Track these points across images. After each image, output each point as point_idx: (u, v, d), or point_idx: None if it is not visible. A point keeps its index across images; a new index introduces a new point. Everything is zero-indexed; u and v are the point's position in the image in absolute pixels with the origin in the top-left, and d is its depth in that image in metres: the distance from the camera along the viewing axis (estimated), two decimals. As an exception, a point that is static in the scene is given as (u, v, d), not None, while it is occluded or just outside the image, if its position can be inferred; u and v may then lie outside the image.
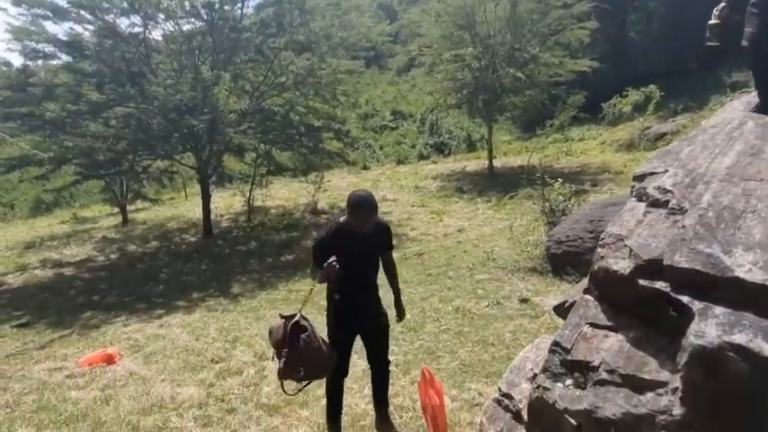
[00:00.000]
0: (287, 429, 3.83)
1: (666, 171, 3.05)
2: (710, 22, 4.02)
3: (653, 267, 2.16)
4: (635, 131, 14.58)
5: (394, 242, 3.72)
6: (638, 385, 2.03)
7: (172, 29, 11.56)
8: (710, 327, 1.81)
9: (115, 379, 4.99)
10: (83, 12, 10.54)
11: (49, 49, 10.81)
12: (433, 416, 3.38)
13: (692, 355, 1.79)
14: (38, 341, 6.66)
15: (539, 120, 14.81)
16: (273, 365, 3.64)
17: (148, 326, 6.83)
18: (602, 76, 15.72)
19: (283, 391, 3.42)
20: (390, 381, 3.76)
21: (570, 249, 6.74)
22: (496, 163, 14.72)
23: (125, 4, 10.71)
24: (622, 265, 2.33)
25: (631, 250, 2.31)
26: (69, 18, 10.61)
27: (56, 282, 9.65)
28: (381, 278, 3.56)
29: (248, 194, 12.34)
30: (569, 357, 2.35)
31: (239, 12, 11.31)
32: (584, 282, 2.84)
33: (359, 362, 4.57)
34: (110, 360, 5.46)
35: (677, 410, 1.84)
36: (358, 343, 3.57)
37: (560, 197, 7.71)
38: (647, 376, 2.03)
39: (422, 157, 18.25)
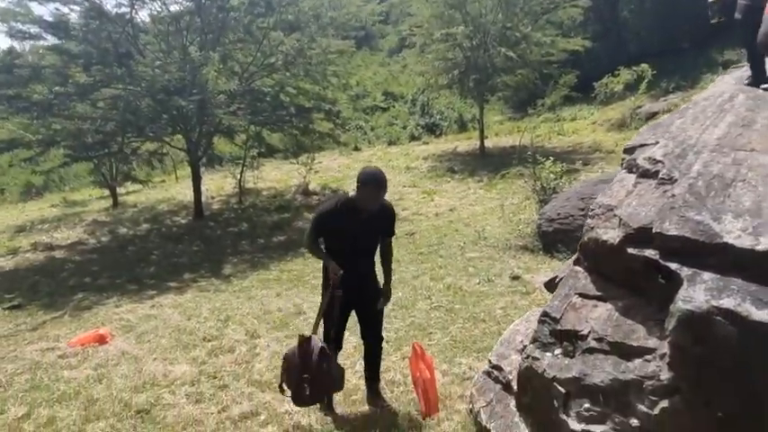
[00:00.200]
0: (278, 405, 3.83)
1: (657, 143, 3.05)
2: (709, 0, 4.01)
3: (642, 236, 2.16)
4: (627, 111, 14.57)
5: None
6: (626, 352, 2.04)
7: (159, 9, 11.37)
8: (699, 292, 1.81)
9: (107, 358, 4.98)
10: (68, -9, 10.35)
11: (34, 29, 10.60)
12: (423, 390, 3.40)
13: (679, 320, 1.79)
14: (30, 323, 6.63)
15: (530, 100, 14.74)
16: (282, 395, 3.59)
17: (140, 306, 6.82)
18: (595, 55, 15.64)
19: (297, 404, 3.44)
20: (382, 357, 3.78)
21: (561, 227, 6.77)
22: (488, 143, 14.68)
23: (111, -16, 10.54)
24: (612, 235, 2.33)
25: (621, 219, 2.31)
26: (55, -2, 10.41)
27: (47, 264, 9.58)
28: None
29: (239, 176, 12.25)
30: (558, 327, 2.36)
31: (227, -9, 11.13)
32: (575, 257, 2.85)
33: (350, 338, 4.59)
34: (102, 340, 5.45)
35: (665, 375, 1.86)
36: (352, 318, 3.59)
37: (551, 175, 7.71)
38: (635, 343, 2.04)
39: (413, 137, 18.17)
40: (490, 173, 11.80)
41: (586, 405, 2.06)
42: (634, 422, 1.91)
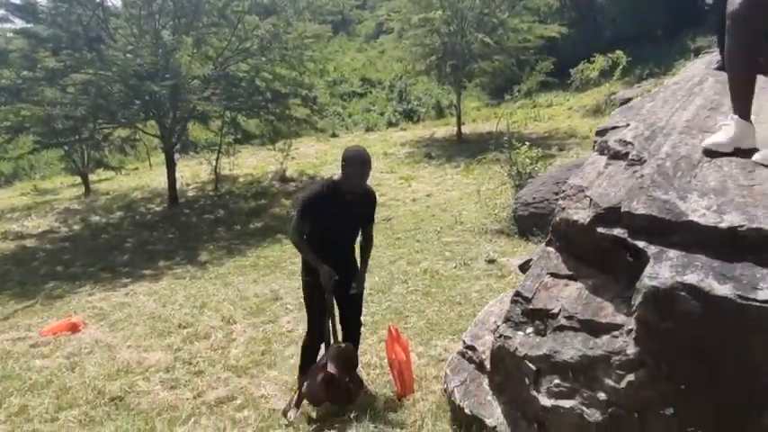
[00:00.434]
0: (255, 389, 3.84)
1: (628, 125, 3.08)
2: None
3: (611, 215, 2.20)
4: (602, 97, 14.73)
5: None
6: (594, 329, 2.08)
7: (131, -8, 11.07)
8: (664, 269, 1.85)
9: (80, 347, 4.93)
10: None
11: (1, 12, 10.31)
12: (399, 371, 3.43)
13: (645, 296, 1.83)
14: (1, 312, 6.49)
15: (507, 86, 14.79)
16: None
17: (114, 294, 6.73)
18: (571, 41, 15.73)
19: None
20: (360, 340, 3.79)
21: (536, 211, 6.84)
22: (465, 129, 14.72)
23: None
24: (582, 215, 2.36)
25: (591, 200, 2.34)
26: (21, -20, 10.08)
27: (18, 253, 9.37)
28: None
29: (215, 163, 12.08)
30: (530, 306, 2.40)
31: (200, -27, 10.88)
32: (548, 238, 2.89)
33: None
34: (74, 329, 5.39)
35: (631, 350, 1.90)
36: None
37: (527, 160, 7.78)
38: (603, 320, 2.08)
39: (391, 124, 18.11)
40: (467, 158, 11.85)
41: (556, 381, 2.10)
42: (601, 396, 1.96)
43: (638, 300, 1.86)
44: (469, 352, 2.92)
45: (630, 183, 2.33)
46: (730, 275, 1.74)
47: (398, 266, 6.35)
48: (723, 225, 1.86)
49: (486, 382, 2.70)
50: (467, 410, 2.64)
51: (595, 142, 3.15)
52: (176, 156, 11.42)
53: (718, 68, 4.22)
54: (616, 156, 2.73)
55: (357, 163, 3.21)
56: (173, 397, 3.89)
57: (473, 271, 5.89)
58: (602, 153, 2.92)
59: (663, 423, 1.83)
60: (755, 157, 2.26)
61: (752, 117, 2.72)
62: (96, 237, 10.02)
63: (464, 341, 3.01)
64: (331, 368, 3.20)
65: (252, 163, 14.07)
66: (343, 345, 3.37)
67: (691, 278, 1.77)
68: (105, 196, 12.82)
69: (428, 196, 9.93)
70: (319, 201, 3.26)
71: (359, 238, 3.59)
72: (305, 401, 3.38)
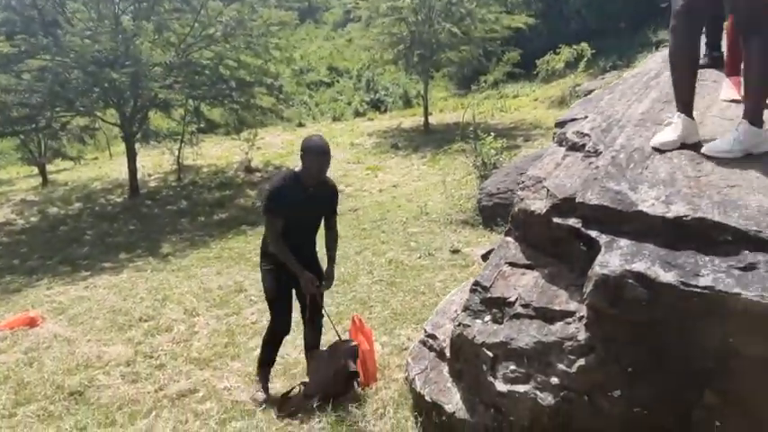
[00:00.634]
0: (217, 381, 3.81)
1: (586, 117, 3.16)
2: None
3: (567, 205, 2.25)
4: (567, 88, 14.97)
5: None
6: (549, 316, 2.14)
7: (88, -26, 10.67)
8: (614, 257, 1.91)
9: (38, 342, 4.80)
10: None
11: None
12: (362, 360, 3.45)
13: (596, 284, 1.89)
14: (-46, 308, 6.25)
15: (474, 77, 14.88)
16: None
17: (73, 288, 6.56)
18: (537, 33, 15.91)
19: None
20: (323, 331, 3.78)
21: (500, 201, 6.92)
22: (432, 119, 14.77)
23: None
24: (539, 205, 2.41)
25: (548, 190, 2.39)
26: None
27: (-30, 247, 9.01)
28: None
29: (177, 153, 11.82)
30: (488, 295, 2.44)
31: (160, -44, 10.57)
32: (507, 228, 2.94)
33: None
34: (32, 323, 5.24)
35: (582, 336, 1.96)
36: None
37: (492, 151, 7.86)
38: (557, 307, 2.13)
39: (358, 113, 18.02)
40: (434, 149, 11.91)
41: (512, 367, 2.15)
42: (554, 380, 2.01)
43: (589, 287, 1.92)
44: (430, 340, 2.95)
45: (586, 174, 2.39)
46: (675, 263, 1.81)
47: (364, 257, 6.36)
48: (670, 215, 1.93)
49: (446, 369, 2.74)
50: (427, 397, 2.67)
51: (554, 134, 3.21)
52: (137, 145, 11.14)
53: None
54: (573, 147, 2.79)
55: (316, 152, 3.16)
56: (133, 391, 3.83)
57: (437, 261, 5.94)
58: (560, 144, 2.98)
59: (611, 405, 1.90)
60: (704, 149, 2.34)
61: (703, 111, 2.82)
62: (54, 229, 9.73)
63: (425, 330, 3.05)
64: (352, 366, 3.33)
65: (216, 153, 13.83)
66: (352, 342, 3.45)
67: (638, 266, 1.83)
68: (64, 187, 12.43)
69: (394, 187, 9.95)
70: (284, 191, 3.21)
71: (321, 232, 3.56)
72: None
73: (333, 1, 25.74)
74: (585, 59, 14.58)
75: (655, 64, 4.58)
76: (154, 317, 5.16)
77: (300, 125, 16.75)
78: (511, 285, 2.39)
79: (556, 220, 2.25)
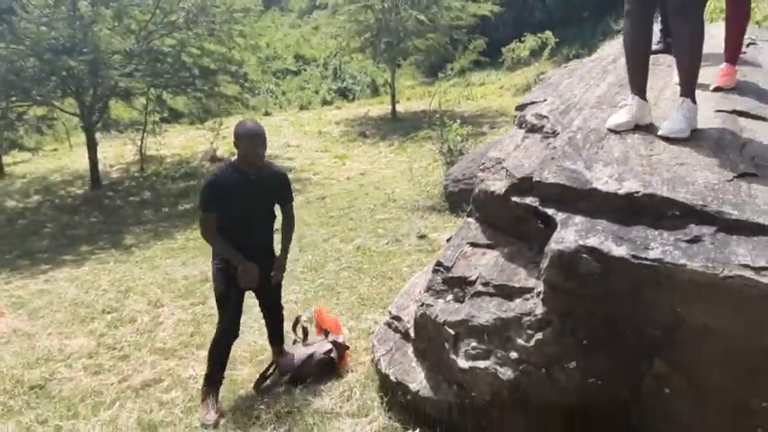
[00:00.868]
0: (183, 370, 3.76)
1: (545, 100, 3.22)
2: None
3: (525, 185, 2.30)
4: (531, 77, 15.17)
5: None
6: (508, 293, 2.18)
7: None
8: (569, 233, 1.96)
9: (-3, 337, 4.65)
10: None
11: None
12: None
13: (552, 260, 1.94)
14: None
15: (441, 65, 14.94)
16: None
17: (32, 282, 6.35)
18: (503, 21, 16.08)
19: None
20: (286, 318, 3.76)
21: (466, 187, 6.98)
22: (399, 108, 14.78)
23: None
24: (499, 186, 2.45)
25: (507, 171, 2.43)
26: None
27: None
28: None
29: (140, 143, 11.51)
30: (450, 275, 2.48)
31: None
32: (469, 209, 2.98)
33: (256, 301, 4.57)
34: (-10, 319, 5.06)
35: (539, 310, 2.01)
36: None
37: (458, 138, 7.91)
38: (516, 284, 2.18)
39: (325, 102, 17.90)
40: (401, 137, 11.92)
41: (473, 344, 2.20)
42: (513, 355, 2.06)
43: (545, 263, 1.97)
44: (395, 322, 2.98)
45: (544, 154, 2.44)
46: (626, 237, 1.87)
47: (332, 244, 6.35)
48: (622, 191, 1.99)
49: (410, 350, 2.77)
50: (392, 377, 2.70)
51: (515, 117, 3.26)
52: (98, 135, 10.80)
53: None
54: (533, 129, 2.84)
55: (248, 136, 2.99)
56: (96, 382, 3.77)
57: (404, 247, 5.98)
58: (520, 127, 3.04)
59: (567, 376, 1.96)
60: (661, 132, 2.41)
61: (657, 93, 2.91)
62: (12, 222, 9.39)
63: (390, 312, 3.07)
64: (331, 352, 3.36)
65: (180, 142, 13.53)
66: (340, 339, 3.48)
67: (592, 241, 1.88)
68: (21, 179, 12.00)
69: (362, 174, 9.94)
70: (222, 183, 3.03)
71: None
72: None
73: (299, -12, 25.37)
74: (549, 48, 14.81)
75: (613, 50, 4.69)
76: (117, 309, 5.05)
77: (267, 114, 16.53)
78: (472, 265, 2.43)
79: (514, 199, 2.29)
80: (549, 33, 14.58)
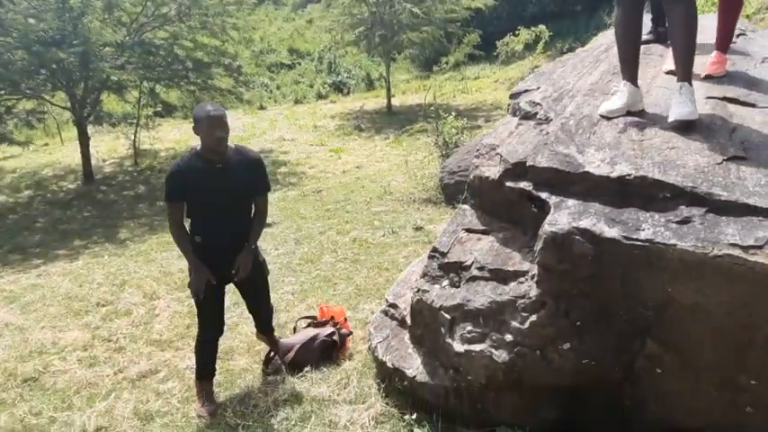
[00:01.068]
0: (179, 361, 3.77)
1: (539, 88, 3.24)
2: None
3: (519, 170, 2.32)
4: (525, 70, 15.17)
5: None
6: (503, 277, 2.21)
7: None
8: (563, 216, 1.98)
9: (-13, 331, 4.62)
10: None
11: None
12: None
13: (545, 242, 1.96)
14: None
15: (436, 59, 14.91)
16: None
17: (24, 276, 6.31)
18: (497, 15, 16.07)
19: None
20: (284, 309, 3.76)
21: (462, 179, 7.00)
22: (395, 101, 14.77)
23: None
24: (493, 171, 2.47)
25: (501, 156, 2.45)
26: None
27: None
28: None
29: (133, 137, 11.45)
30: (446, 260, 2.50)
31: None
32: (464, 196, 3.00)
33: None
34: (-21, 313, 5.03)
35: (533, 293, 2.03)
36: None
37: (453, 130, 7.93)
38: (511, 268, 2.20)
39: (320, 96, 17.85)
40: (397, 130, 11.92)
41: (469, 327, 2.22)
42: (508, 337, 2.09)
43: (539, 245, 1.99)
44: (392, 309, 3.00)
45: (537, 140, 2.46)
46: (618, 219, 1.90)
47: (328, 236, 6.36)
48: (614, 174, 2.01)
49: (407, 336, 2.79)
50: (389, 364, 2.72)
51: (508, 105, 3.28)
52: (90, 129, 10.72)
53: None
54: (526, 116, 2.86)
55: (206, 118, 2.75)
56: (91, 374, 3.75)
57: (401, 238, 6.00)
58: (514, 114, 3.06)
59: (561, 357, 1.99)
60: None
61: (649, 81, 2.93)
62: (3, 217, 9.32)
63: (387, 300, 3.09)
64: (333, 336, 3.39)
65: (174, 137, 13.46)
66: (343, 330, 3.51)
67: (585, 223, 1.91)
68: (11, 174, 11.90)
69: (358, 168, 9.94)
70: (186, 172, 2.84)
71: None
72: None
73: (292, -18, 25.26)
74: (543, 41, 14.81)
75: (605, 39, 4.71)
76: (112, 302, 5.03)
77: (262, 108, 16.48)
78: (467, 250, 2.45)
79: (508, 184, 2.31)
80: (542, 27, 14.55)
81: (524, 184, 2.24)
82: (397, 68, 18.24)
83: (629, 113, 2.51)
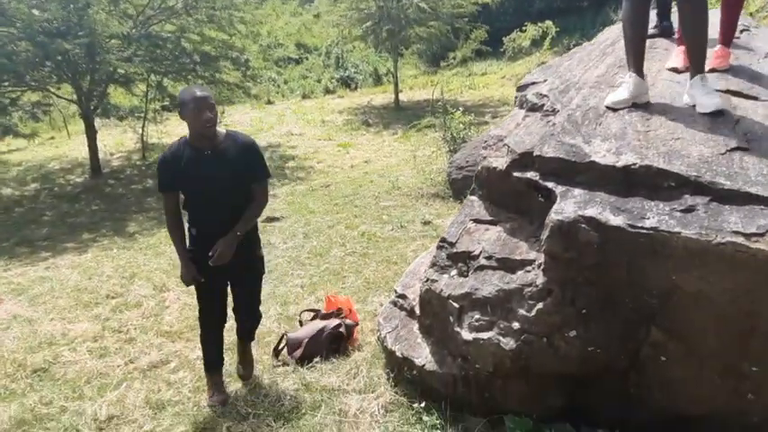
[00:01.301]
0: (190, 352, 3.81)
1: (545, 80, 3.26)
2: None
3: (526, 160, 2.34)
4: (532, 66, 15.13)
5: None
6: (510, 266, 2.24)
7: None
8: (569, 205, 2.01)
9: (-4, 323, 4.67)
10: None
11: None
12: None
13: (552, 230, 1.99)
14: None
15: (443, 55, 14.92)
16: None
17: (32, 269, 6.36)
18: (503, 11, 16.04)
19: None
20: (292, 302, 3.78)
21: (469, 174, 7.01)
22: (402, 97, 14.78)
23: None
24: (501, 162, 2.50)
25: (509, 147, 2.48)
26: None
27: None
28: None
29: (141, 130, 11.51)
30: (454, 250, 2.53)
31: None
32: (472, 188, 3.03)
33: (264, 286, 4.60)
34: (-13, 305, 5.08)
35: (540, 280, 2.06)
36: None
37: (461, 125, 7.94)
38: (518, 257, 2.23)
39: (328, 91, 17.89)
40: (404, 125, 11.92)
41: (477, 316, 2.25)
42: (515, 325, 2.12)
43: (545, 234, 2.02)
44: (401, 300, 3.04)
45: (544, 131, 2.49)
46: (623, 208, 1.92)
47: (337, 231, 6.40)
48: (620, 164, 2.04)
49: (416, 326, 2.83)
50: (398, 354, 2.76)
51: (516, 98, 3.31)
52: (98, 123, 10.73)
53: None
54: (533, 108, 2.89)
55: (191, 100, 2.62)
56: (102, 365, 3.77)
57: (409, 232, 6.03)
58: (521, 107, 3.08)
59: (567, 345, 2.02)
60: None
61: (654, 74, 2.95)
62: (9, 210, 9.36)
63: (395, 290, 3.13)
64: (340, 328, 3.40)
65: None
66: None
67: (590, 212, 1.93)
68: (17, 167, 11.95)
69: (366, 163, 9.97)
70: (172, 163, 2.74)
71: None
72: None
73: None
74: (550, 37, 14.76)
75: (611, 33, 4.72)
76: (122, 294, 5.08)
77: (270, 102, 16.52)
78: (475, 240, 2.48)
79: (516, 174, 2.34)
80: (549, 23, 14.51)
81: (531, 174, 2.27)
82: (404, 64, 18.24)
83: (634, 105, 2.54)
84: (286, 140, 12.22)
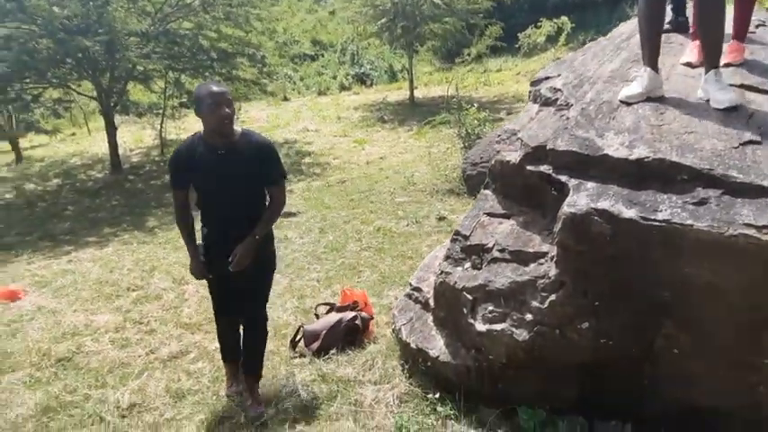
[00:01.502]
0: (209, 343, 3.89)
1: (559, 75, 3.26)
2: None
3: (539, 153, 2.37)
4: (548, 63, 15.00)
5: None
6: (523, 258, 2.27)
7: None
8: (582, 197, 2.03)
9: (21, 314, 4.77)
10: None
11: None
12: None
13: (564, 222, 2.01)
14: (-68, 283, 6.19)
15: (458, 51, 14.85)
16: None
17: (55, 262, 6.50)
18: (519, 7, 15.94)
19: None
20: (305, 295, 3.83)
21: (484, 170, 6.98)
22: (417, 93, 14.78)
23: None
24: (514, 156, 2.52)
25: (522, 141, 2.50)
26: None
27: (-54, 224, 8.87)
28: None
29: (159, 127, 11.67)
30: (468, 243, 2.56)
31: None
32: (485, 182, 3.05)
33: (281, 280, 4.68)
34: (13, 296, 5.18)
35: (553, 272, 2.09)
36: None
37: (475, 122, 7.94)
38: (531, 250, 2.26)
39: (343, 87, 17.96)
40: (420, 122, 11.93)
41: (490, 308, 2.29)
42: (528, 317, 2.15)
43: (558, 226, 2.04)
44: (415, 293, 3.08)
45: (557, 125, 2.51)
46: (636, 201, 1.94)
47: (352, 226, 6.46)
48: (632, 157, 2.05)
49: (430, 318, 2.87)
50: (413, 345, 2.80)
51: (529, 92, 3.32)
52: (117, 119, 10.89)
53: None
54: (547, 102, 2.90)
55: (208, 95, 2.57)
56: (124, 355, 3.87)
57: (424, 228, 6.07)
58: (535, 101, 3.09)
59: (580, 336, 2.04)
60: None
61: (669, 69, 2.95)
62: (32, 205, 9.57)
63: (410, 284, 3.17)
64: (356, 320, 3.45)
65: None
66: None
67: (603, 204, 1.95)
68: (40, 163, 12.20)
69: (381, 159, 10.01)
70: (184, 159, 2.70)
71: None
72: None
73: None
74: (565, 33, 14.63)
75: (626, 28, 4.69)
76: (142, 286, 5.19)
77: (286, 99, 16.64)
78: (489, 233, 2.51)
79: (529, 167, 2.37)
80: (564, 19, 14.38)
81: (544, 168, 2.29)
82: (419, 61, 18.23)
83: (648, 99, 2.54)
84: (302, 137, 12.31)
